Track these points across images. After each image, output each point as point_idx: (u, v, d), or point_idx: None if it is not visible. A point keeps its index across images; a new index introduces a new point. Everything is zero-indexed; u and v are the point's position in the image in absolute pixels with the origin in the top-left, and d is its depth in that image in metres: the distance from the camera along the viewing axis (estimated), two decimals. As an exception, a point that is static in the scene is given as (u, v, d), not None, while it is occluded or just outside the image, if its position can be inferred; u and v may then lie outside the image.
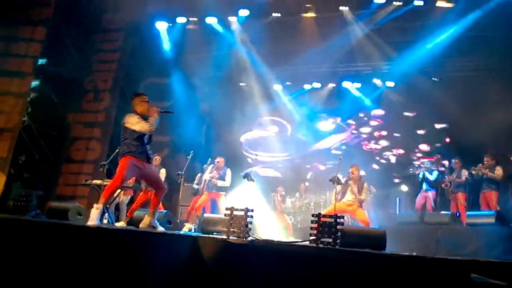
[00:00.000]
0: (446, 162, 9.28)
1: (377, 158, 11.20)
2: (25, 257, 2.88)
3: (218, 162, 7.73)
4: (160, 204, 7.49)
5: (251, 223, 4.22)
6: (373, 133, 11.49)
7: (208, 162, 8.20)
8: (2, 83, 8.66)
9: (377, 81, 11.11)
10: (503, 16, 7.98)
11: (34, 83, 9.00)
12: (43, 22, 8.99)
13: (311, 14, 9.75)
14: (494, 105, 8.66)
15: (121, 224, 7.10)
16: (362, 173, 7.48)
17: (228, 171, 7.71)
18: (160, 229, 4.72)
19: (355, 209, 6.68)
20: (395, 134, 11.14)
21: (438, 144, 10.40)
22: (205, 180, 7.77)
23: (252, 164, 11.23)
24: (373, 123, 11.57)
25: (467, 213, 7.12)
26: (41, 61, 8.96)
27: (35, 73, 8.78)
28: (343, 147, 11.64)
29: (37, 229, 3.43)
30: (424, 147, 10.59)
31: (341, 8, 9.65)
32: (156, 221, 4.77)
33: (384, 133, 11.33)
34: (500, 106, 8.47)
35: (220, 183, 7.54)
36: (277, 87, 11.75)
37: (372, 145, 11.43)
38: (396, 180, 10.23)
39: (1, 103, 8.57)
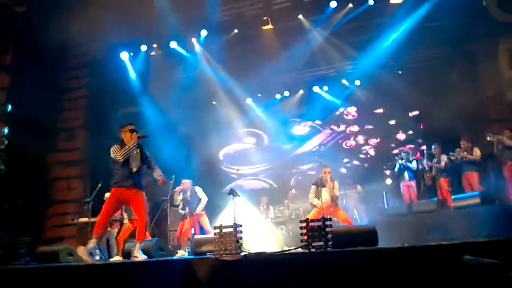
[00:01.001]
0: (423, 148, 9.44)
1: (358, 154, 11.49)
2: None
3: (184, 184, 7.79)
4: (147, 232, 7.51)
5: (241, 238, 4.29)
6: (348, 129, 11.79)
7: (171, 181, 8.04)
8: (-27, 134, 8.55)
9: (344, 82, 11.42)
10: (449, 5, 8.38)
11: (5, 130, 8.90)
12: (4, 68, 8.95)
13: (269, 26, 9.94)
14: (456, 89, 9.07)
15: (116, 258, 7.05)
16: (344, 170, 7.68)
17: (198, 189, 7.78)
18: (142, 258, 4.77)
19: (335, 211, 6.81)
20: (369, 126, 11.51)
21: (410, 132, 10.79)
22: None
23: (236, 178, 11.31)
24: (349, 119, 11.89)
25: (453, 196, 7.20)
26: (9, 108, 8.88)
27: (5, 121, 8.69)
28: (322, 148, 11.91)
29: (29, 275, 3.43)
30: (401, 136, 10.97)
31: (298, 16, 9.88)
32: (140, 251, 4.85)
33: (356, 128, 11.68)
34: (461, 89, 8.89)
35: (199, 208, 7.58)
36: (249, 101, 11.92)
37: (351, 141, 11.71)
38: (388, 172, 10.36)
39: (-24, 154, 8.44)
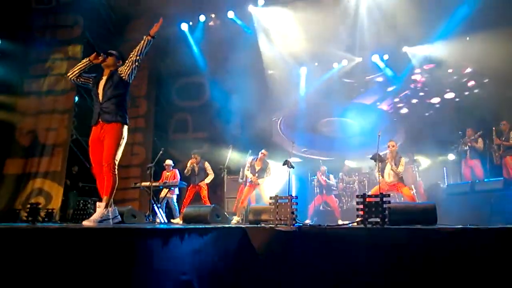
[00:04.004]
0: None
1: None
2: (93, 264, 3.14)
3: (263, 154, 7.80)
4: (206, 198, 7.85)
5: (296, 210, 4.33)
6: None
7: (248, 154, 8.26)
8: (49, 102, 9.33)
9: (406, 50, 10.80)
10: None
11: (76, 98, 9.59)
12: (77, 40, 9.55)
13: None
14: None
15: (177, 221, 7.49)
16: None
17: (269, 166, 7.78)
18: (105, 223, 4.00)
19: (399, 187, 6.68)
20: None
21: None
22: (246, 175, 7.93)
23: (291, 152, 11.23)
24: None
25: None
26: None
27: (76, 89, 9.31)
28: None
29: (102, 234, 3.68)
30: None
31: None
32: (108, 213, 4.11)
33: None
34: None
35: (260, 181, 7.64)
36: (304, 70, 11.68)
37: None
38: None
39: (50, 121, 9.23)
